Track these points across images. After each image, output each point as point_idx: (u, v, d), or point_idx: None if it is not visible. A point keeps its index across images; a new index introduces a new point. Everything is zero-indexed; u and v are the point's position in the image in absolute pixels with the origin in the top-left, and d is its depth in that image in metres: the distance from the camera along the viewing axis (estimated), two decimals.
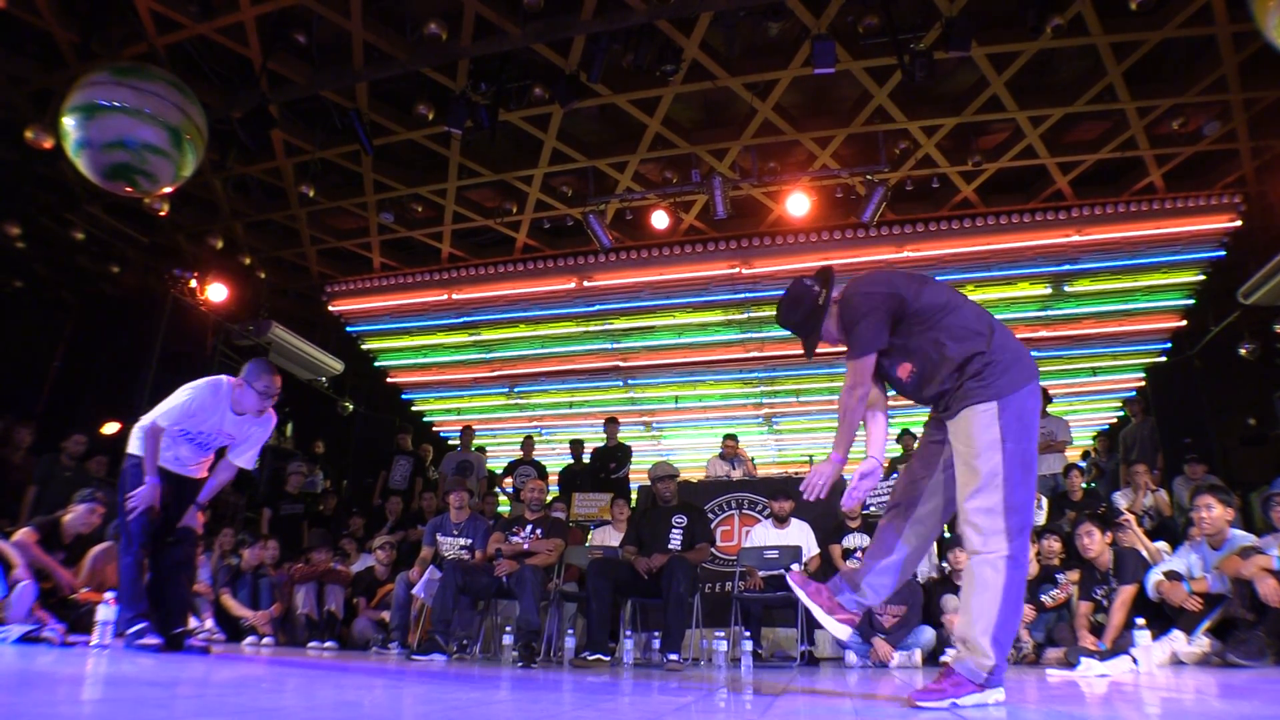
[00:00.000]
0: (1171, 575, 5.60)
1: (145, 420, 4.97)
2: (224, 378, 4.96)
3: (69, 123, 6.38)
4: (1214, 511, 5.58)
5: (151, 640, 4.56)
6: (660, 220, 9.85)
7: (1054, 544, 6.79)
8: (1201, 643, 5.36)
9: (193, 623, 6.38)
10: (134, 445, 4.91)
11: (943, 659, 6.31)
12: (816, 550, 7.65)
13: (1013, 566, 2.63)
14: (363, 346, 13.40)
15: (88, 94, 6.34)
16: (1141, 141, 9.07)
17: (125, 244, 11.16)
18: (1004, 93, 8.38)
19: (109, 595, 4.77)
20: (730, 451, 9.97)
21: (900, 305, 2.92)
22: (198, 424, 4.81)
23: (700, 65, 8.11)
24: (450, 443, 14.45)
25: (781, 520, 7.70)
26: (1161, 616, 5.59)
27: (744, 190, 9.86)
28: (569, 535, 8.33)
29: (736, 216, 10.24)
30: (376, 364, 13.78)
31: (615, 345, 12.77)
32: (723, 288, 11.45)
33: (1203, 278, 10.78)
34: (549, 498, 9.41)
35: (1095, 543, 5.94)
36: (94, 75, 6.45)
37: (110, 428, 9.24)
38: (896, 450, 10.53)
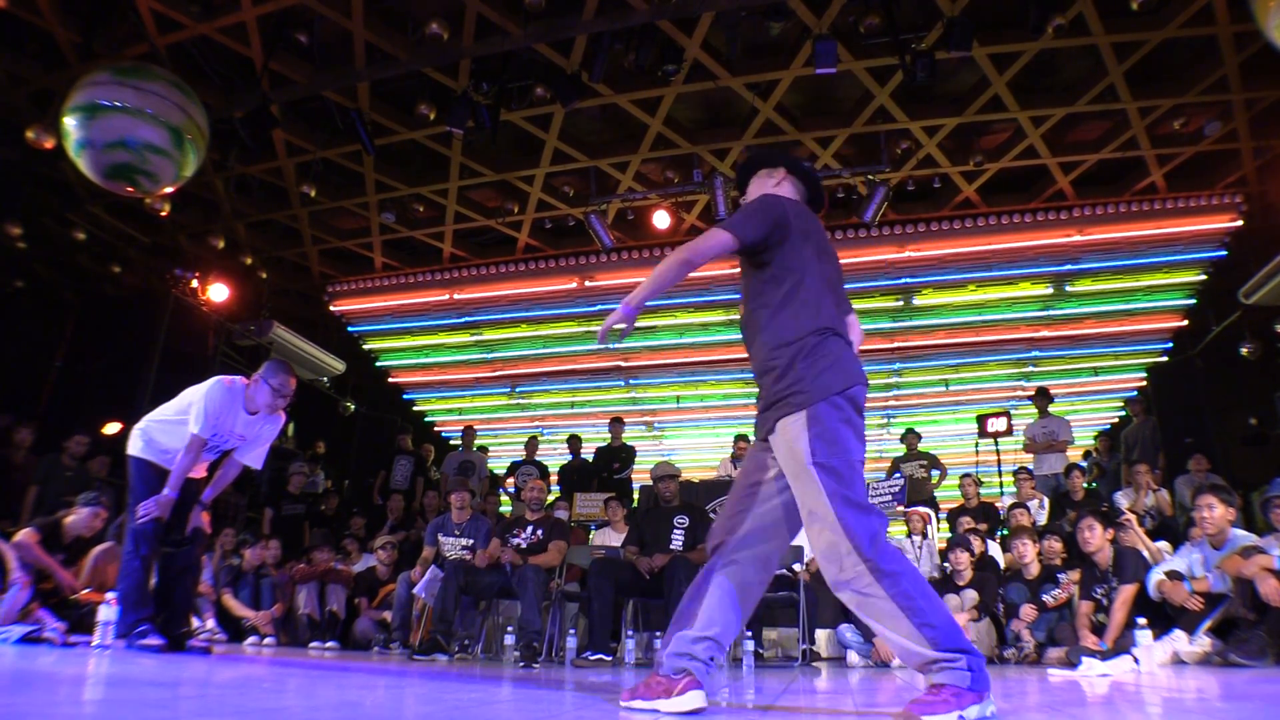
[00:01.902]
0: (1173, 575, 5.60)
1: (151, 423, 4.98)
2: (234, 378, 4.98)
3: (70, 123, 6.38)
4: (1215, 511, 5.58)
5: (153, 641, 4.58)
6: (662, 220, 9.85)
7: (1055, 544, 6.80)
8: (1203, 642, 5.35)
9: (194, 623, 6.38)
10: (134, 446, 4.93)
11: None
12: None
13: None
14: (364, 346, 13.40)
15: (89, 94, 6.35)
16: (1143, 141, 9.07)
17: (126, 244, 11.17)
18: (1005, 93, 8.37)
19: (110, 595, 4.77)
20: (741, 452, 9.98)
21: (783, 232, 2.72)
22: (215, 428, 4.83)
23: (702, 65, 8.11)
24: (452, 443, 14.44)
25: None
26: (1163, 616, 5.58)
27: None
28: (571, 535, 8.33)
29: None
30: (378, 364, 13.78)
31: (616, 345, 12.75)
32: (724, 287, 11.44)
33: (1204, 277, 10.77)
34: (551, 498, 9.42)
35: (1096, 537, 5.93)
36: (95, 75, 6.46)
37: (112, 428, 9.24)
38: (900, 450, 10.53)
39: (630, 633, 6.70)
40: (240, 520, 10.03)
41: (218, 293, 11.03)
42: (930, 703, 2.27)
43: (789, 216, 2.75)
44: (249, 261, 11.41)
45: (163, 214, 9.39)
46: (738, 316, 11.88)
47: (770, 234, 2.70)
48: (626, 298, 2.67)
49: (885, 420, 14.34)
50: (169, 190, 7.37)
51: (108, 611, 4.68)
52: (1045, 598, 6.43)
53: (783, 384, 2.60)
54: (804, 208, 2.93)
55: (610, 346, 2.83)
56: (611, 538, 7.92)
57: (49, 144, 7.71)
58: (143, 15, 7.37)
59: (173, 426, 4.86)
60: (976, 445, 10.84)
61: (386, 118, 8.93)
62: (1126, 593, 5.65)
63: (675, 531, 6.81)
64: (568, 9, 7.45)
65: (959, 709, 2.25)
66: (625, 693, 2.74)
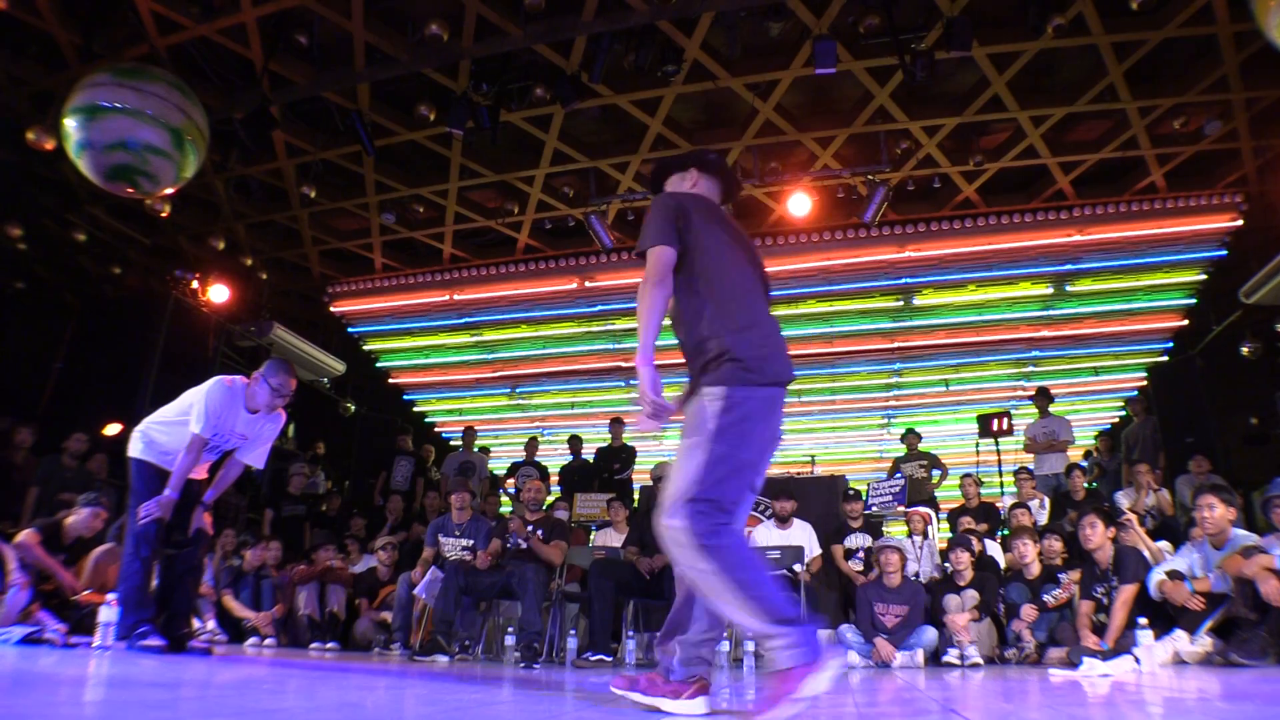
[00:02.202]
0: (1174, 575, 5.60)
1: (152, 425, 4.98)
2: (235, 377, 4.99)
3: (71, 124, 6.38)
4: (1216, 511, 5.57)
5: (154, 641, 4.58)
6: None
7: (1055, 544, 6.80)
8: (1204, 642, 5.35)
9: (195, 624, 6.39)
10: (135, 448, 4.93)
11: (946, 659, 6.32)
12: (819, 551, 7.65)
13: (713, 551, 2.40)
14: (364, 347, 13.40)
15: (89, 95, 6.35)
16: (1143, 141, 9.06)
17: (127, 245, 11.17)
18: (1005, 92, 8.37)
19: (111, 597, 4.78)
20: None
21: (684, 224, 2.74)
22: (216, 428, 4.83)
23: (701, 65, 8.10)
24: (452, 444, 14.44)
25: (784, 520, 7.70)
26: (1164, 616, 5.58)
27: (745, 190, 9.85)
28: (571, 536, 8.34)
29: (738, 217, 10.23)
30: (378, 365, 13.78)
31: (617, 345, 12.75)
32: None
33: (1204, 277, 10.76)
34: (550, 498, 9.42)
35: (1097, 534, 5.93)
36: (95, 76, 6.46)
37: (112, 429, 9.25)
38: (901, 450, 10.53)
39: (631, 633, 6.71)
40: (241, 521, 10.03)
41: (218, 294, 11.04)
42: (765, 700, 2.29)
43: (685, 205, 2.78)
44: (249, 262, 11.41)
45: (163, 215, 9.39)
46: None
47: (675, 224, 2.72)
48: (638, 358, 2.72)
49: (886, 420, 14.34)
50: (169, 191, 7.37)
51: (108, 613, 4.69)
52: (1046, 598, 6.43)
53: (705, 364, 2.69)
54: (707, 201, 2.94)
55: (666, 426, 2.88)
56: (613, 538, 7.92)
57: (50, 145, 7.71)
58: (143, 17, 7.37)
59: (173, 427, 4.87)
60: (977, 445, 10.84)
61: (386, 118, 8.93)
62: (1127, 593, 5.64)
63: None
64: (567, 9, 7.45)
65: (790, 692, 2.27)
66: (621, 679, 2.74)
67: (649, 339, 2.72)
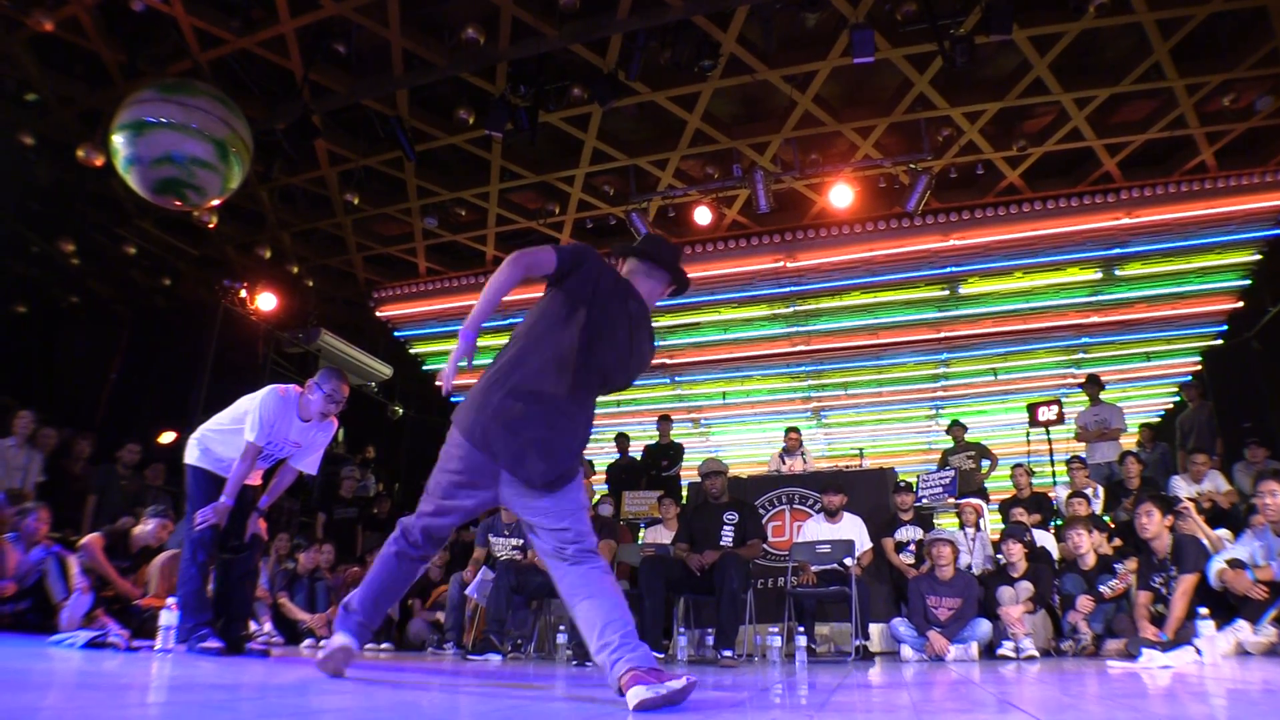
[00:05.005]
0: (1234, 563, 5.47)
1: (207, 433, 5.08)
2: (288, 386, 5.06)
3: (118, 140, 6.52)
4: (1278, 498, 5.44)
5: (213, 644, 4.67)
6: (703, 216, 9.82)
7: (1099, 536, 6.71)
8: (1268, 632, 5.22)
9: (252, 627, 6.51)
10: (191, 455, 5.03)
11: (1000, 652, 6.24)
12: (869, 544, 7.58)
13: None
14: (411, 351, 13.53)
15: (135, 111, 6.49)
16: (1191, 119, 8.84)
17: (176, 257, 11.40)
18: (1047, 75, 8.22)
19: (171, 601, 4.88)
20: (794, 444, 9.93)
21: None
22: (270, 436, 4.91)
23: (738, 59, 8.07)
24: None
25: (833, 514, 7.65)
26: (1225, 606, 5.45)
27: (786, 183, 9.80)
28: (620, 534, 8.35)
29: (779, 210, 10.17)
30: (425, 368, 13.90)
31: (661, 343, 12.73)
32: (768, 282, 11.38)
33: (1259, 257, 10.47)
34: (596, 497, 9.44)
35: (1154, 523, 5.80)
36: (141, 93, 6.59)
37: (167, 437, 9.45)
38: (948, 442, 10.41)
39: (682, 630, 6.72)
40: (294, 525, 10.20)
41: (266, 302, 11.25)
42: None
43: (591, 269, 3.01)
44: (295, 270, 11.58)
45: (210, 226, 9.57)
46: (782, 311, 11.90)
47: (571, 262, 2.97)
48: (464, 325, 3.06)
49: (934, 411, 14.18)
50: (216, 203, 7.50)
51: (169, 617, 4.79)
52: (1102, 589, 6.31)
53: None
54: (618, 286, 3.13)
55: None
56: (663, 535, 7.92)
57: (99, 162, 7.89)
58: (184, 33, 7.52)
59: (229, 435, 4.95)
60: (1028, 434, 10.66)
61: (426, 123, 9.01)
62: (1187, 583, 5.52)
63: (725, 528, 6.80)
64: (602, 8, 7.46)
65: None
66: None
67: (480, 311, 2.97)
